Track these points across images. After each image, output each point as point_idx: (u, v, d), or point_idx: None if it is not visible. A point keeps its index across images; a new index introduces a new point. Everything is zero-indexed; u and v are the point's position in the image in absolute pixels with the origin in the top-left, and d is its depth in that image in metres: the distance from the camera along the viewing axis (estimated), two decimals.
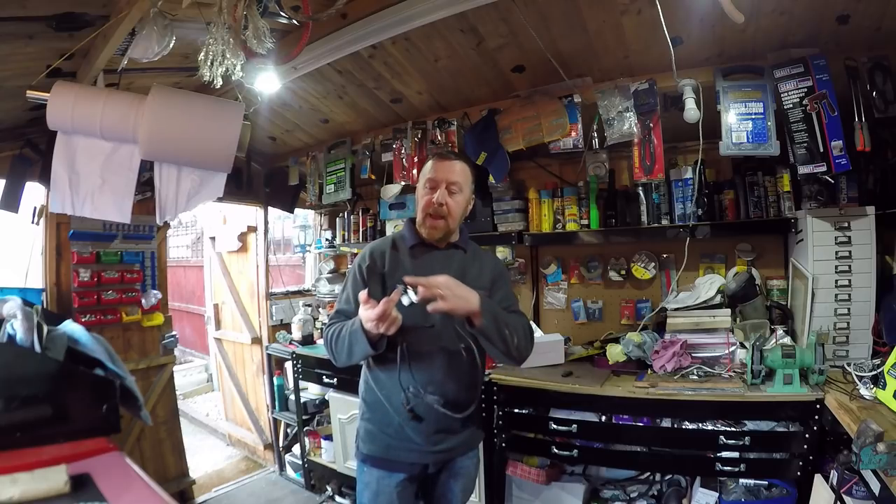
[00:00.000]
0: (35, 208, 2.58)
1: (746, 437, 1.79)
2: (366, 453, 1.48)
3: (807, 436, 1.72)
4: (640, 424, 2.00)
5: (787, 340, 1.95)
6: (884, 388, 1.54)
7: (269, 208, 3.61)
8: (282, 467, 3.46)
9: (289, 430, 3.50)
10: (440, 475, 1.51)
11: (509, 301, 1.54)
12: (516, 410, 2.19)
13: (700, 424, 1.90)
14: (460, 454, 1.51)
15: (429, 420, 1.40)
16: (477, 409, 1.57)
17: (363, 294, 1.27)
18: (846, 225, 1.89)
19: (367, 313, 1.24)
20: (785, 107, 1.85)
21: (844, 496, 1.43)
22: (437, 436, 1.42)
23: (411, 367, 1.39)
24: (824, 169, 1.78)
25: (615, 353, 2.23)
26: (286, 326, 3.50)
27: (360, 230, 3.25)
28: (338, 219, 3.45)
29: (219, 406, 4.55)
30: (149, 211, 2.48)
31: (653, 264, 2.53)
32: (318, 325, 3.31)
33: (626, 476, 2.29)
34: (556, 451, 2.07)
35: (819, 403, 1.70)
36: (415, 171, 2.59)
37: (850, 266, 1.87)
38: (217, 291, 4.20)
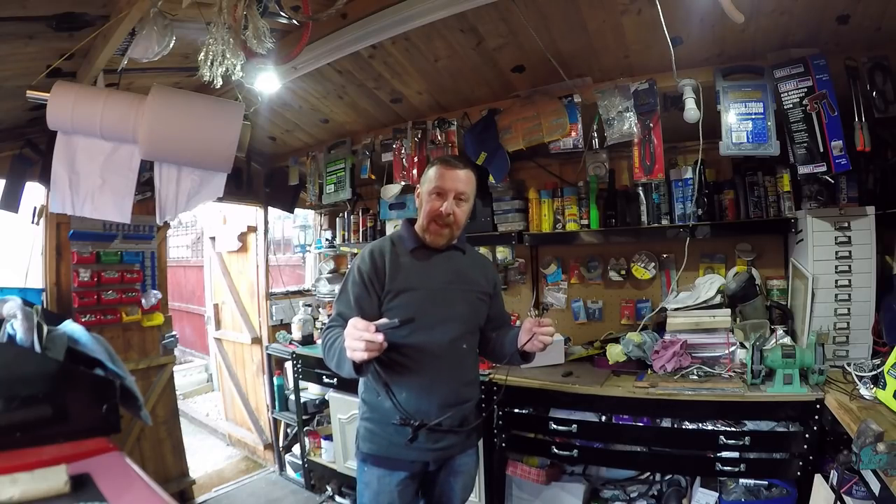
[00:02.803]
0: (35, 208, 2.58)
1: (746, 437, 1.79)
2: (366, 452, 1.48)
3: (807, 436, 1.72)
4: (640, 424, 2.00)
5: (787, 340, 1.95)
6: (884, 388, 1.53)
7: (269, 208, 3.61)
8: (282, 467, 3.46)
9: (289, 430, 3.50)
10: (440, 473, 1.51)
11: (504, 310, 1.71)
12: (516, 410, 2.19)
13: (700, 424, 1.90)
14: (460, 451, 1.52)
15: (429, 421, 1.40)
16: (477, 405, 1.57)
17: (369, 325, 1.18)
18: (846, 225, 1.89)
19: (355, 342, 1.17)
20: (785, 107, 1.85)
21: (844, 496, 1.43)
22: (436, 434, 1.42)
23: (410, 369, 1.39)
24: (824, 169, 1.78)
25: (615, 353, 2.23)
26: (286, 326, 3.50)
27: (360, 230, 3.25)
28: (338, 219, 3.45)
29: (219, 406, 4.55)
30: (149, 211, 2.48)
31: (653, 264, 2.53)
32: (318, 325, 3.31)
33: (626, 476, 2.29)
34: (556, 451, 2.07)
35: (819, 403, 1.70)
36: (415, 171, 2.59)
37: (850, 266, 1.87)
38: (217, 291, 4.20)
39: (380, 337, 1.16)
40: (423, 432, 1.38)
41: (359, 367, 1.26)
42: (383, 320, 1.20)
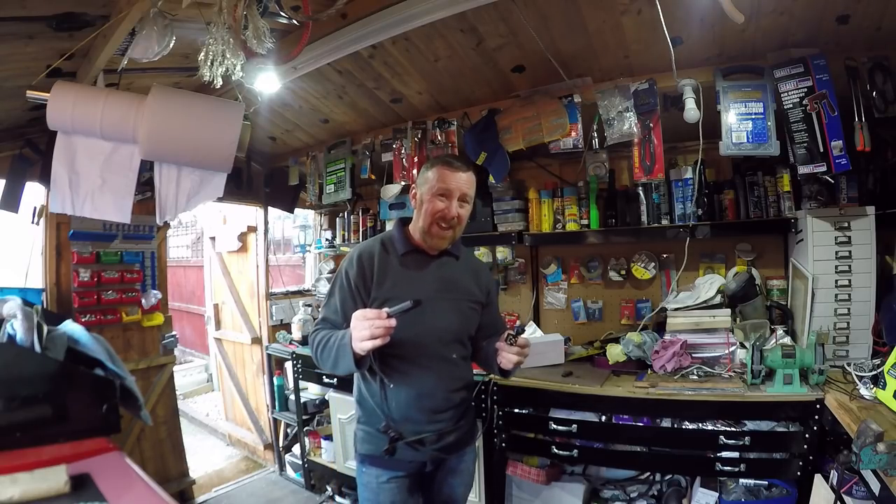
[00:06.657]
0: (35, 208, 2.58)
1: (746, 437, 1.79)
2: (363, 454, 1.48)
3: (807, 436, 1.72)
4: (640, 424, 2.00)
5: (787, 340, 1.95)
6: (884, 388, 1.54)
7: (269, 208, 3.61)
8: (282, 467, 3.46)
9: (289, 430, 3.50)
10: (437, 473, 1.51)
11: (498, 317, 1.68)
12: (516, 410, 2.19)
13: (700, 424, 1.90)
14: (457, 451, 1.51)
15: (420, 430, 1.41)
16: (468, 408, 1.57)
17: (380, 311, 1.21)
18: (846, 225, 1.89)
19: (364, 330, 1.19)
20: (785, 107, 1.85)
21: (844, 496, 1.43)
22: (431, 436, 1.43)
23: (399, 384, 1.40)
24: (824, 169, 1.78)
25: (615, 353, 2.23)
26: (286, 326, 3.50)
27: (360, 230, 3.25)
28: (338, 219, 3.45)
29: (219, 406, 4.55)
30: (149, 211, 2.48)
31: (653, 264, 2.53)
32: None
33: (626, 476, 2.28)
34: (556, 451, 2.07)
35: (819, 403, 1.70)
36: (415, 171, 2.59)
37: (850, 266, 1.87)
38: (217, 291, 4.20)
39: (393, 322, 1.19)
40: (400, 444, 1.40)
41: (359, 361, 1.27)
42: (394, 307, 1.22)
